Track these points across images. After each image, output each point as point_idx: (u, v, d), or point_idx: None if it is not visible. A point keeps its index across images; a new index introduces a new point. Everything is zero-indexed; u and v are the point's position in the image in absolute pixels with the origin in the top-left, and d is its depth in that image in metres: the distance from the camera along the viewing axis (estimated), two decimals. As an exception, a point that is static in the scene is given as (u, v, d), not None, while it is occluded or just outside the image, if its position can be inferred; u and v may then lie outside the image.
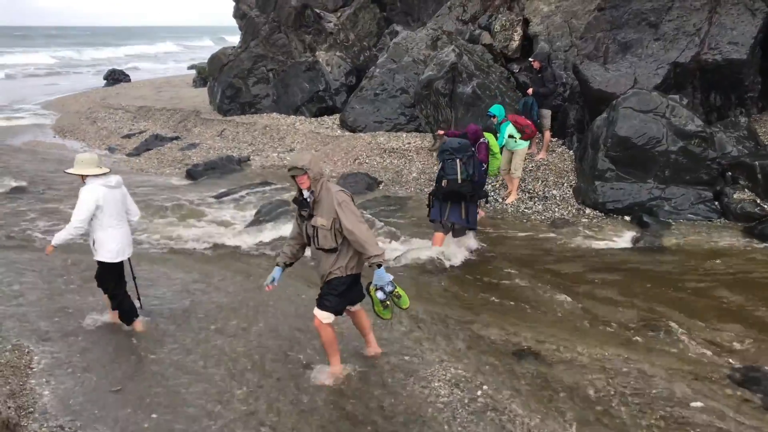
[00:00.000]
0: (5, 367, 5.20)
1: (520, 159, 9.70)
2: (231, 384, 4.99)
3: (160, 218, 9.91)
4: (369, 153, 12.83)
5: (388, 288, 4.79)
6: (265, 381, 5.04)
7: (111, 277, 5.83)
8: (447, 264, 7.79)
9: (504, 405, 4.75)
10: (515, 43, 14.86)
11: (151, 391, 4.91)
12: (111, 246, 5.71)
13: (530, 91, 10.95)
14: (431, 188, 8.64)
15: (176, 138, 16.64)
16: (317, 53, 16.96)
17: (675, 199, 9.12)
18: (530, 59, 11.42)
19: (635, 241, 8.42)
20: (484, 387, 4.99)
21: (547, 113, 11.11)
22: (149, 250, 8.56)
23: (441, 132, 9.66)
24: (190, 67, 36.35)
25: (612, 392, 4.94)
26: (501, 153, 9.19)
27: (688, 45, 10.94)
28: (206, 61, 22.01)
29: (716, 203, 9.12)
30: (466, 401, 4.81)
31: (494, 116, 9.38)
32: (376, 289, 4.81)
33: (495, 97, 11.89)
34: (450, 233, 8.06)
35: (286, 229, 9.11)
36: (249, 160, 13.96)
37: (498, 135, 9.43)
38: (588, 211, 9.53)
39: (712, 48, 10.82)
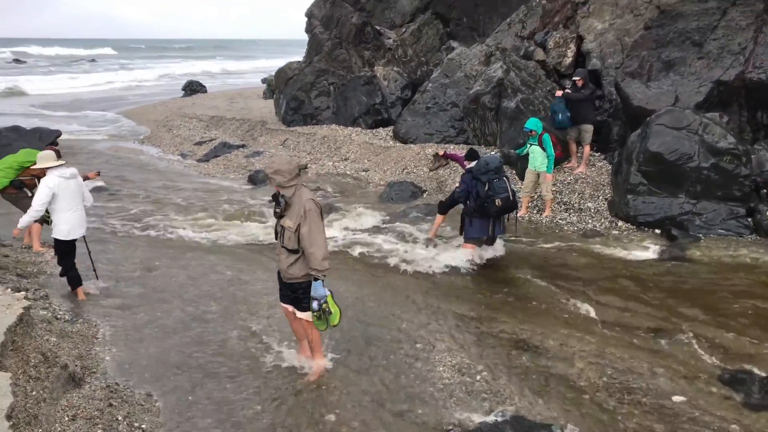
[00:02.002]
0: (76, 335, 6.13)
1: (550, 183, 10.19)
2: (270, 360, 5.74)
3: (224, 218, 10.88)
4: (417, 163, 13.48)
5: (322, 301, 5.06)
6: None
7: (63, 251, 7.16)
8: (473, 268, 8.32)
9: (498, 389, 5.28)
10: (568, 60, 15.17)
11: (190, 360, 5.72)
12: (62, 227, 7.04)
13: (559, 93, 11.38)
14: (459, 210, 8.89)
15: (243, 146, 17.78)
16: (375, 68, 17.78)
17: (706, 214, 9.31)
18: (574, 77, 11.79)
19: (661, 253, 8.70)
20: (484, 373, 5.54)
21: (589, 128, 11.46)
22: (203, 244, 9.51)
23: (441, 153, 9.90)
24: (263, 80, 38.02)
25: (601, 385, 5.38)
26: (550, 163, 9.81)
27: (732, 64, 11.06)
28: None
29: (749, 219, 9.25)
30: (465, 384, 5.37)
31: (532, 131, 9.84)
32: (312, 300, 5.10)
33: (538, 111, 12.31)
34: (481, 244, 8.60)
35: (328, 230, 9.90)
36: (306, 167, 14.83)
37: (544, 147, 9.89)
38: (620, 223, 9.84)
39: (756, 66, 10.90)
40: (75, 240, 7.22)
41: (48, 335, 5.61)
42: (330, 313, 5.12)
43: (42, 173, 8.43)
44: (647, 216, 9.57)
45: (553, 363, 5.76)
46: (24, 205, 8.70)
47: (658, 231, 9.44)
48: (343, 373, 5.52)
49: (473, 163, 8.42)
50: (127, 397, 5.02)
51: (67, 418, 4.40)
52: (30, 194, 8.76)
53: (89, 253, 7.55)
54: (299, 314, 5.31)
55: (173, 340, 6.16)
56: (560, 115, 11.36)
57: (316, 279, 5.03)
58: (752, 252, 8.56)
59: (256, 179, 14.10)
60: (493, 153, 10.38)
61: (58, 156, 8.94)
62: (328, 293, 5.12)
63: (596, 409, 5.03)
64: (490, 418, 4.84)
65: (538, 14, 17.52)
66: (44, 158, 7.19)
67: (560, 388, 5.34)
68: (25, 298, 5.26)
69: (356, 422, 4.79)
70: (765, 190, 9.51)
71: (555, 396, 5.21)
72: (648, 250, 8.82)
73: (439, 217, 9.10)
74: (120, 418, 4.64)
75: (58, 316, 6.49)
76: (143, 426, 4.64)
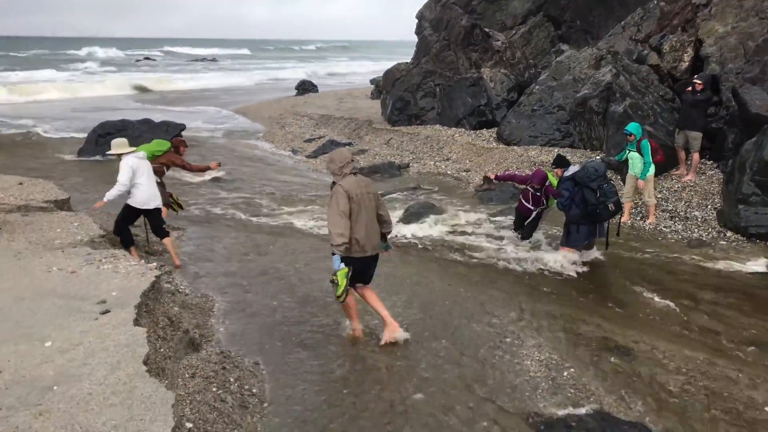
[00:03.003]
0: (195, 308, 6.81)
1: (651, 188, 9.97)
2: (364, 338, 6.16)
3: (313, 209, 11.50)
4: (519, 165, 13.53)
5: (332, 274, 5.61)
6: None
7: (129, 217, 8.13)
8: (570, 270, 8.37)
9: (584, 385, 5.40)
10: (685, 64, 14.63)
11: (293, 333, 6.23)
12: (140, 197, 7.96)
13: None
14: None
15: (349, 144, 18.48)
16: (482, 70, 17.92)
17: (825, 228, 8.83)
18: (695, 80, 11.45)
19: (770, 266, 8.35)
20: (571, 370, 5.66)
21: (697, 135, 11.10)
22: (312, 233, 10.12)
23: (492, 176, 9.99)
24: (372, 81, 38.96)
25: (690, 390, 5.36)
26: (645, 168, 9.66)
27: None
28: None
29: None
30: (552, 379, 5.52)
31: (631, 134, 9.72)
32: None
33: (647, 117, 12.02)
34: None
35: (425, 226, 10.25)
36: (408, 166, 15.29)
37: (642, 153, 9.77)
38: (729, 234, 9.50)
39: None
40: (146, 210, 8.13)
41: (172, 304, 6.31)
42: (337, 285, 5.59)
43: (169, 161, 9.46)
44: (759, 227, 9.19)
45: (641, 365, 5.78)
46: None
47: (769, 244, 9.05)
48: (432, 359, 5.83)
49: (570, 171, 8.41)
50: (238, 362, 5.58)
51: (187, 375, 4.98)
52: (159, 180, 9.66)
53: (145, 225, 8.60)
54: None
55: (278, 317, 6.71)
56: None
57: (333, 253, 5.60)
58: None
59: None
60: (596, 158, 10.28)
61: (185, 146, 9.93)
62: (340, 268, 5.59)
63: (682, 413, 5.03)
64: (574, 412, 4.98)
65: (655, 17, 16.98)
66: (119, 145, 8.08)
67: (647, 389, 5.37)
68: (157, 268, 5.94)
69: (440, 402, 5.08)
70: None
71: (641, 396, 5.25)
72: (756, 263, 8.50)
73: None
74: (232, 380, 5.19)
75: (180, 290, 7.23)
76: (253, 389, 5.16)
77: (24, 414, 3.36)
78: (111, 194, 7.90)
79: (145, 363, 3.98)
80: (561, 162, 8.65)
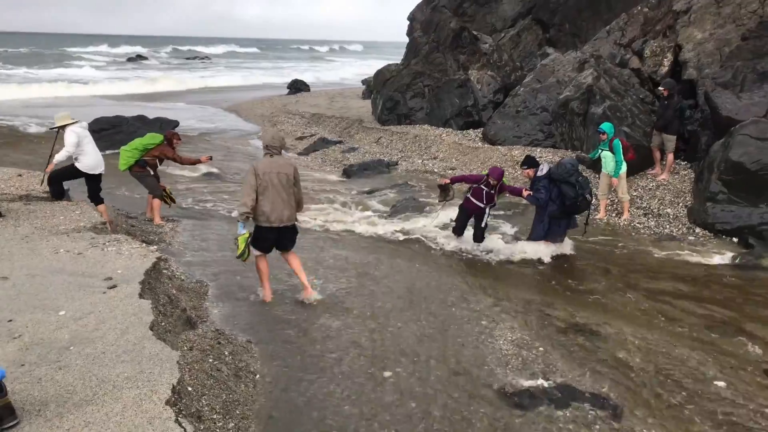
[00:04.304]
0: (190, 291, 7.22)
1: (624, 182, 10.49)
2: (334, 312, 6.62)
3: (315, 206, 11.94)
4: (503, 164, 14.02)
5: (234, 237, 6.70)
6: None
7: (70, 176, 8.95)
8: (544, 261, 8.87)
9: (551, 362, 5.88)
10: (665, 69, 15.22)
11: (281, 314, 6.67)
12: (88, 162, 8.85)
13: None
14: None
15: (339, 142, 18.94)
16: (470, 72, 18.42)
17: (787, 225, 9.37)
18: (660, 86, 12.00)
19: (734, 259, 8.88)
20: (540, 349, 6.14)
21: (671, 137, 11.65)
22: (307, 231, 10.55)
23: (446, 181, 9.68)
24: (363, 81, 39.42)
25: (649, 368, 5.85)
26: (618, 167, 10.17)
27: (830, 76, 10.93)
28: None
29: (833, 233, 9.23)
30: (522, 356, 6.00)
31: (604, 132, 10.25)
32: None
33: (625, 118, 12.56)
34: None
35: (414, 221, 10.70)
36: (397, 164, 15.76)
37: (614, 152, 10.31)
38: (698, 230, 10.03)
39: None
40: (91, 174, 8.93)
41: (171, 287, 6.74)
42: (237, 246, 6.61)
43: (162, 154, 9.89)
44: (725, 224, 9.73)
45: (606, 346, 6.27)
46: (147, 182, 10.02)
47: (735, 239, 9.59)
48: (412, 338, 6.29)
49: (543, 170, 8.87)
50: (232, 339, 6.00)
51: (186, 348, 5.41)
52: (152, 173, 10.05)
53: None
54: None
55: (271, 303, 7.15)
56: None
57: (238, 220, 6.64)
58: (831, 264, 8.59)
59: (350, 172, 15.13)
60: (568, 157, 10.78)
61: (178, 139, 10.33)
62: (240, 233, 6.59)
63: (641, 387, 5.52)
64: (540, 384, 5.46)
65: (638, 22, 17.56)
66: (62, 118, 8.84)
67: (610, 367, 5.86)
68: (157, 251, 6.37)
69: (418, 374, 5.55)
70: None
71: (604, 373, 5.74)
72: (721, 256, 9.03)
73: None
74: (226, 353, 5.62)
75: (176, 276, 7.64)
76: (246, 362, 5.60)
77: (45, 368, 3.79)
78: (59, 157, 8.71)
79: (151, 329, 4.43)
80: (531, 162, 9.10)
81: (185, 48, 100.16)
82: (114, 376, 3.72)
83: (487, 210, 9.24)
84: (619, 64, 15.68)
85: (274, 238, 6.88)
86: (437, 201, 10.07)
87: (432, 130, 17.91)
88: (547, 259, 8.90)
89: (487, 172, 9.31)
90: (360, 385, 5.35)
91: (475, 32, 19.22)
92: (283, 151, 7.05)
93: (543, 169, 8.83)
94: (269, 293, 7.10)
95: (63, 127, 8.83)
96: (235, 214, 6.77)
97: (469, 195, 9.34)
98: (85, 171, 8.91)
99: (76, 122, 8.96)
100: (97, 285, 5.25)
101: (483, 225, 9.30)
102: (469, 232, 9.46)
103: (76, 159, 8.85)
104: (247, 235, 6.61)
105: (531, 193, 8.93)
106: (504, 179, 9.24)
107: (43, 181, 9.19)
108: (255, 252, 6.91)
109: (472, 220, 9.39)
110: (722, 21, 14.86)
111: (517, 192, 9.27)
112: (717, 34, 14.73)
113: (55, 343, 4.16)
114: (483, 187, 9.15)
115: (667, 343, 6.36)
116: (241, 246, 6.57)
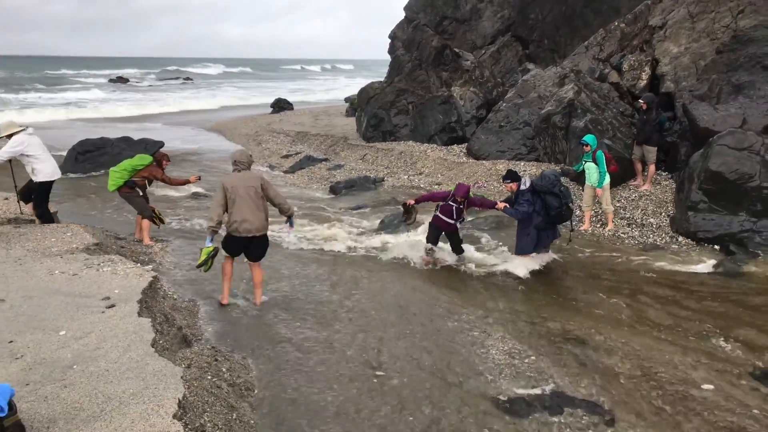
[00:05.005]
0: (184, 310, 7.26)
1: (607, 197, 10.72)
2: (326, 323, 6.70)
3: (303, 222, 12.03)
4: (488, 178, 14.25)
5: (201, 248, 7.06)
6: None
7: (46, 192, 9.01)
8: (529, 272, 9.02)
9: (543, 370, 6.01)
10: (643, 82, 15.57)
11: (275, 331, 6.74)
12: (47, 171, 8.87)
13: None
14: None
15: (325, 159, 19.07)
16: (452, 88, 18.70)
17: (766, 232, 9.61)
18: (639, 100, 12.30)
19: (716, 267, 9.09)
20: (531, 358, 6.27)
21: (652, 149, 11.94)
22: (290, 247, 10.64)
23: (411, 202, 9.56)
24: (347, 99, 39.68)
25: (638, 373, 6.00)
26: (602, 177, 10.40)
27: (802, 87, 11.29)
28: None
29: (811, 239, 9.49)
30: (514, 365, 6.13)
31: (588, 144, 10.50)
32: None
33: (606, 131, 12.84)
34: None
35: (399, 235, 10.83)
36: (383, 180, 15.91)
37: (597, 163, 10.54)
38: (681, 239, 10.26)
39: (828, 90, 11.09)
40: (52, 181, 9.01)
41: (165, 305, 6.79)
42: (199, 257, 7.05)
43: (151, 175, 9.92)
44: (707, 232, 9.96)
45: (595, 353, 6.41)
46: (136, 203, 10.05)
47: (717, 247, 9.82)
48: (407, 349, 6.39)
49: (525, 184, 9.02)
50: (228, 356, 6.06)
51: (184, 365, 5.47)
52: (141, 194, 10.09)
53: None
54: None
55: (261, 319, 7.21)
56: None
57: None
58: (809, 269, 8.84)
59: (337, 189, 15.25)
60: (549, 170, 10.98)
61: (168, 160, 10.40)
62: (206, 246, 7.04)
63: (630, 391, 5.66)
64: (533, 392, 5.58)
65: (616, 37, 17.95)
66: (7, 126, 8.95)
67: (600, 373, 6.00)
68: (152, 270, 6.42)
69: (414, 385, 5.64)
70: (830, 211, 9.71)
71: (594, 379, 5.88)
72: (703, 264, 9.25)
73: None
74: (224, 370, 5.68)
75: (169, 295, 7.68)
76: (243, 378, 5.66)
77: (51, 387, 3.84)
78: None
79: (152, 345, 4.49)
80: (513, 176, 9.26)
81: (171, 68, 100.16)
82: (120, 392, 3.78)
83: (458, 225, 9.38)
84: (599, 78, 16.02)
85: (244, 246, 7.30)
86: (404, 221, 10.06)
87: (417, 146, 18.11)
88: (532, 270, 9.06)
89: (453, 188, 9.39)
90: (356, 397, 5.43)
91: (456, 49, 19.53)
92: (252, 167, 7.34)
93: (525, 183, 9.02)
94: (226, 297, 7.42)
95: (10, 136, 8.86)
96: (205, 226, 7.34)
97: (438, 213, 9.38)
98: (46, 180, 8.93)
99: (23, 129, 8.99)
100: (95, 305, 5.30)
101: (458, 239, 9.43)
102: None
103: (32, 172, 8.87)
104: (212, 249, 7.06)
105: (507, 206, 9.12)
106: (471, 193, 9.40)
107: (20, 206, 9.29)
108: (223, 253, 7.33)
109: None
110: (697, 35, 15.27)
111: (488, 204, 9.48)
112: (692, 48, 15.13)
113: (58, 362, 4.21)
114: (451, 203, 9.21)
115: (654, 349, 6.52)
116: (203, 257, 7.01)
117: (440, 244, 9.58)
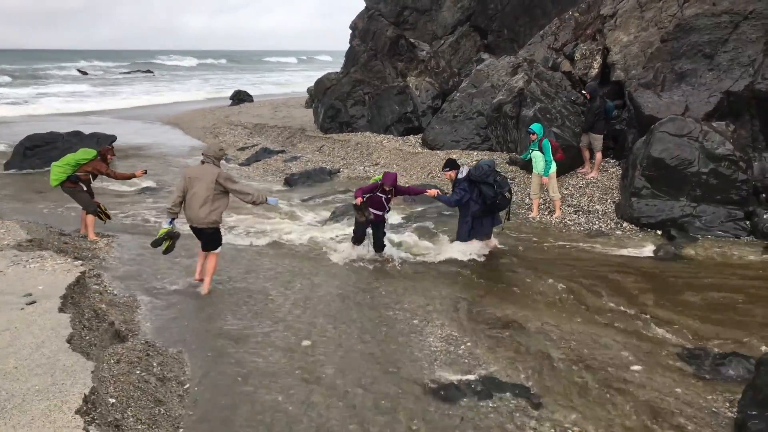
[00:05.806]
0: (122, 306, 7.15)
1: (554, 184, 10.85)
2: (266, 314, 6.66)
3: (253, 214, 11.93)
4: (441, 168, 14.28)
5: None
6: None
7: None
8: (471, 259, 9.09)
9: (478, 356, 6.06)
10: (594, 71, 15.76)
11: (214, 326, 6.68)
12: None
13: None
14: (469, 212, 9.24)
15: (282, 151, 18.92)
16: (408, 78, 18.70)
17: (705, 216, 9.85)
18: (583, 90, 12.46)
19: (657, 251, 9.29)
20: (468, 344, 6.33)
21: (598, 137, 12.11)
22: (238, 240, 10.55)
23: (360, 200, 8.89)
24: (308, 90, 39.38)
25: (571, 357, 6.09)
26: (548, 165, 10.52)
27: (741, 75, 11.56)
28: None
29: (746, 222, 9.75)
30: (450, 352, 6.17)
31: (534, 133, 10.61)
32: None
33: (555, 120, 12.97)
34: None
35: (351, 228, 10.80)
36: (339, 172, 15.86)
37: (543, 152, 10.66)
38: (625, 224, 10.45)
39: (766, 78, 11.36)
40: None
41: (99, 302, 6.66)
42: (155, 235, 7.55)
43: (95, 169, 9.75)
44: (650, 218, 10.16)
45: (531, 338, 6.49)
46: (80, 198, 9.84)
47: (659, 232, 10.03)
48: (346, 339, 6.40)
49: (463, 172, 9.10)
50: (162, 351, 5.98)
51: (113, 361, 5.37)
52: (84, 188, 9.89)
53: None
54: None
55: (201, 314, 7.14)
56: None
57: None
58: (744, 252, 9.08)
59: (292, 181, 15.15)
60: (485, 159, 10.97)
61: (113, 154, 10.21)
62: (163, 227, 7.51)
63: (561, 375, 5.75)
64: (465, 378, 5.63)
65: (570, 27, 18.14)
66: None
67: (532, 357, 6.07)
68: (82, 265, 6.29)
69: (350, 373, 5.65)
70: (765, 195, 9.99)
71: (528, 364, 5.95)
72: (645, 249, 9.43)
73: None
74: (155, 364, 5.60)
75: (108, 290, 7.54)
76: (175, 372, 5.59)
77: (-46, 386, 3.74)
78: None
79: (68, 342, 4.40)
80: (452, 165, 9.34)
81: (129, 62, 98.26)
82: (24, 390, 3.69)
83: (386, 217, 9.23)
84: (552, 67, 16.16)
85: (197, 235, 7.66)
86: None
87: (373, 137, 18.08)
88: (476, 258, 9.13)
89: (380, 178, 9.06)
90: (290, 387, 5.41)
91: (412, 40, 19.53)
92: (222, 162, 7.36)
93: (463, 172, 9.10)
94: (198, 273, 7.92)
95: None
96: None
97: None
98: None
99: None
100: (15, 302, 5.17)
101: (383, 232, 9.29)
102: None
103: None
104: (168, 229, 7.44)
105: (439, 192, 9.23)
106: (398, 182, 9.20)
107: None
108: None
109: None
110: (645, 24, 15.49)
111: (417, 192, 9.52)
112: (641, 37, 15.35)
113: (-34, 361, 4.10)
114: (380, 194, 8.99)
115: (588, 333, 6.63)
116: (160, 234, 7.48)
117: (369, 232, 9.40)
